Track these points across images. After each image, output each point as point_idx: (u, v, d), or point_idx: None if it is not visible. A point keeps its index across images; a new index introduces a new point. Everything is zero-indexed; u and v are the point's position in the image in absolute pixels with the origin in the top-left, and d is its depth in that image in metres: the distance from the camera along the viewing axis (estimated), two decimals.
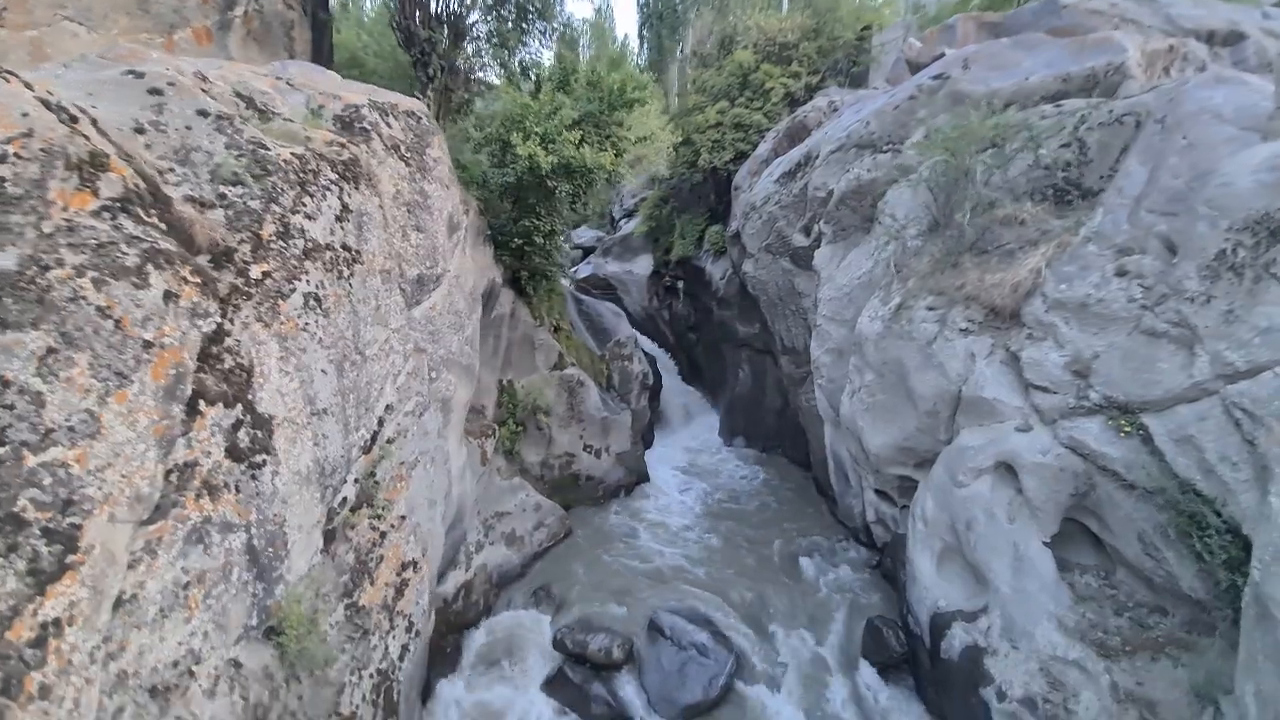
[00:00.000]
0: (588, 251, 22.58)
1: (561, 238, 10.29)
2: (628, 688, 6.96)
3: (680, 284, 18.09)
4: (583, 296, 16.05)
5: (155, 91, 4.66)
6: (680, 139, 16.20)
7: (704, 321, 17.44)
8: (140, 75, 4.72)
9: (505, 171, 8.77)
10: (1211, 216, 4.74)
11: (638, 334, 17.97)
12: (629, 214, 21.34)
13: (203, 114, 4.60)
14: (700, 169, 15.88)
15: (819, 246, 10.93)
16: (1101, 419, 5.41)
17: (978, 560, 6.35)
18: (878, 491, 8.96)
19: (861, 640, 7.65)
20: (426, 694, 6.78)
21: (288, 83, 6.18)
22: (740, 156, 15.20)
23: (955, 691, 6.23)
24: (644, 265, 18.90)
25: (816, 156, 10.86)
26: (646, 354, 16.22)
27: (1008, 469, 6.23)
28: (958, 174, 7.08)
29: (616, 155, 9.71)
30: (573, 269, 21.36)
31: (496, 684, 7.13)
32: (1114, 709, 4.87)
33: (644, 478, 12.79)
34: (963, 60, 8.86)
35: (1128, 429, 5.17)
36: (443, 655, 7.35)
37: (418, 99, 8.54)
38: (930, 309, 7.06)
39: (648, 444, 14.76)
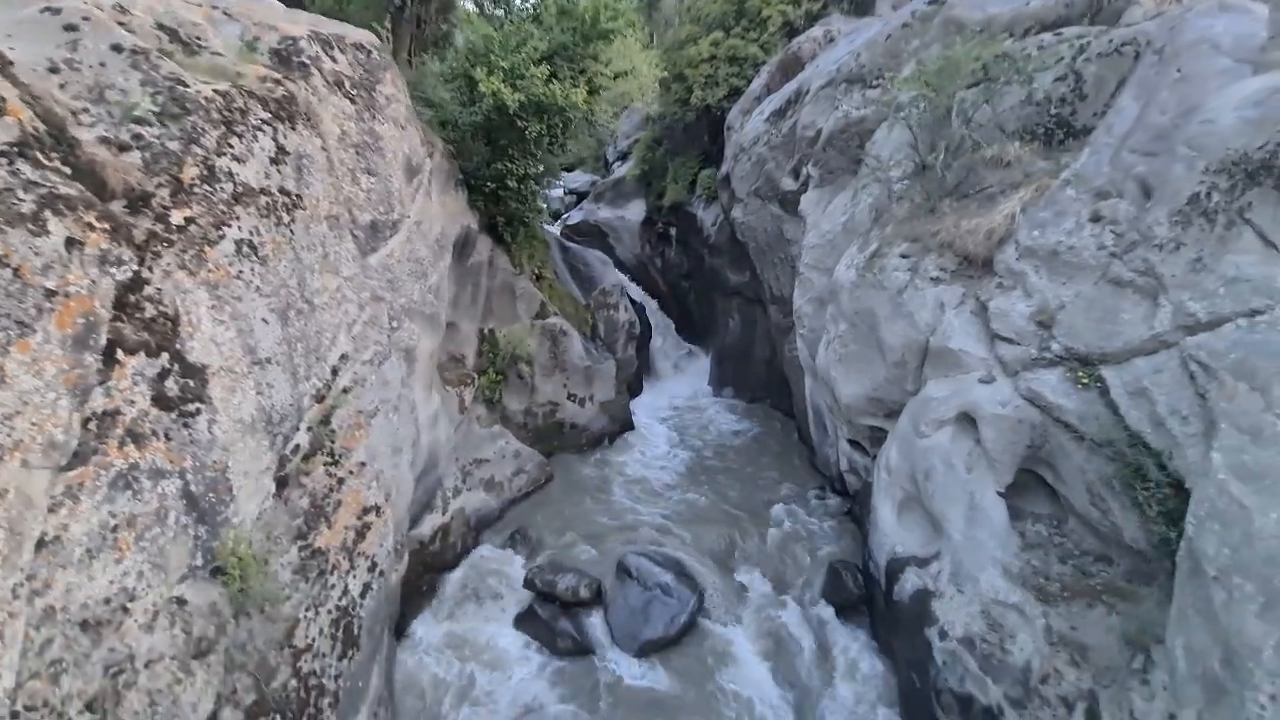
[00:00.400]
0: (582, 196, 21.98)
1: (538, 182, 9.93)
2: (594, 624, 7.28)
3: (673, 231, 17.64)
4: (569, 244, 15.75)
5: (70, 28, 4.40)
6: (672, 74, 15.36)
7: (696, 270, 17.12)
8: (56, 12, 4.46)
9: (472, 110, 8.38)
10: (1190, 157, 4.44)
11: (627, 282, 17.71)
12: (623, 156, 20.60)
13: (117, 49, 4.35)
14: (693, 107, 15.12)
15: (807, 190, 10.53)
16: (1061, 370, 5.30)
17: (935, 509, 6.42)
18: (851, 441, 9.00)
19: (823, 582, 7.89)
20: (402, 628, 7.15)
21: (224, 12, 5.83)
22: (735, 93, 14.42)
23: (903, 631, 6.45)
24: (636, 211, 18.39)
25: (806, 93, 10.27)
26: (635, 303, 16.04)
27: (969, 420, 6.18)
28: (940, 112, 6.66)
29: (591, 92, 9.22)
30: (565, 214, 20.89)
31: (470, 620, 7.49)
32: (1046, 651, 5.02)
33: (629, 426, 12.93)
34: None
35: (1085, 381, 5.07)
36: (420, 593, 7.69)
37: (378, 31, 8.07)
38: (903, 256, 6.83)
39: (635, 393, 14.83)
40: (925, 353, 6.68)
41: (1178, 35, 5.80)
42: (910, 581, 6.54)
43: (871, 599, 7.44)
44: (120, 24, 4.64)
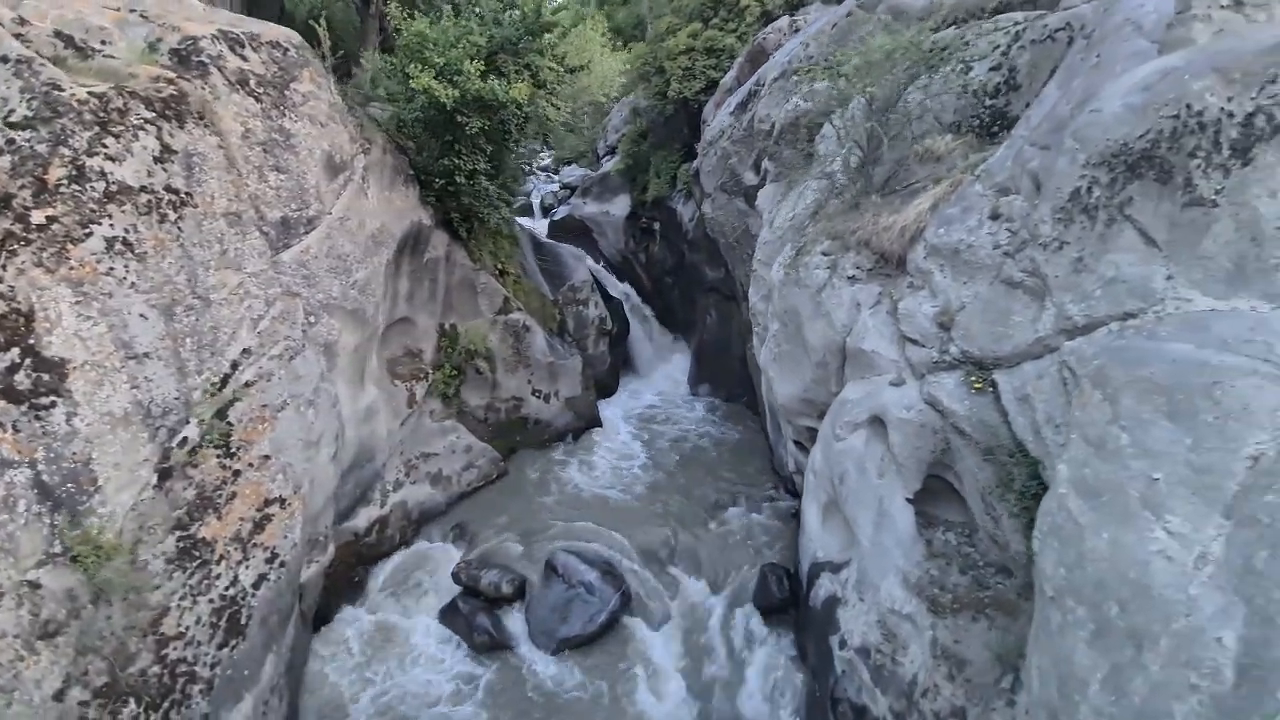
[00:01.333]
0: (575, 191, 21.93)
1: (491, 177, 9.88)
2: (513, 621, 7.31)
3: (656, 226, 17.48)
4: (543, 240, 15.73)
5: None
6: (653, 66, 15.21)
7: (678, 266, 16.94)
8: None
9: (411, 107, 8.42)
10: (1073, 150, 4.18)
11: (612, 278, 17.68)
12: (611, 151, 20.48)
13: (4, 60, 4.48)
14: (671, 100, 14.92)
15: (765, 185, 10.30)
16: (959, 374, 5.08)
17: (848, 514, 6.25)
18: (795, 442, 8.82)
19: (754, 586, 7.76)
20: (327, 618, 7.30)
21: (141, 15, 5.96)
22: (712, 86, 14.17)
23: (814, 637, 6.32)
24: (621, 206, 18.28)
25: (763, 85, 10.03)
26: (612, 299, 16.00)
27: (881, 423, 5.98)
28: (861, 107, 6.42)
29: (539, 87, 9.16)
30: (554, 210, 20.92)
31: (396, 612, 7.60)
32: (930, 664, 4.84)
33: (595, 423, 12.90)
34: None
35: (979, 385, 4.85)
36: (351, 584, 7.84)
37: (315, 28, 8.14)
38: (824, 254, 6.63)
39: (610, 390, 14.80)
40: (844, 353, 6.48)
41: (1107, 17, 5.45)
42: (824, 588, 6.39)
43: (798, 603, 7.29)
44: (17, 35, 4.78)
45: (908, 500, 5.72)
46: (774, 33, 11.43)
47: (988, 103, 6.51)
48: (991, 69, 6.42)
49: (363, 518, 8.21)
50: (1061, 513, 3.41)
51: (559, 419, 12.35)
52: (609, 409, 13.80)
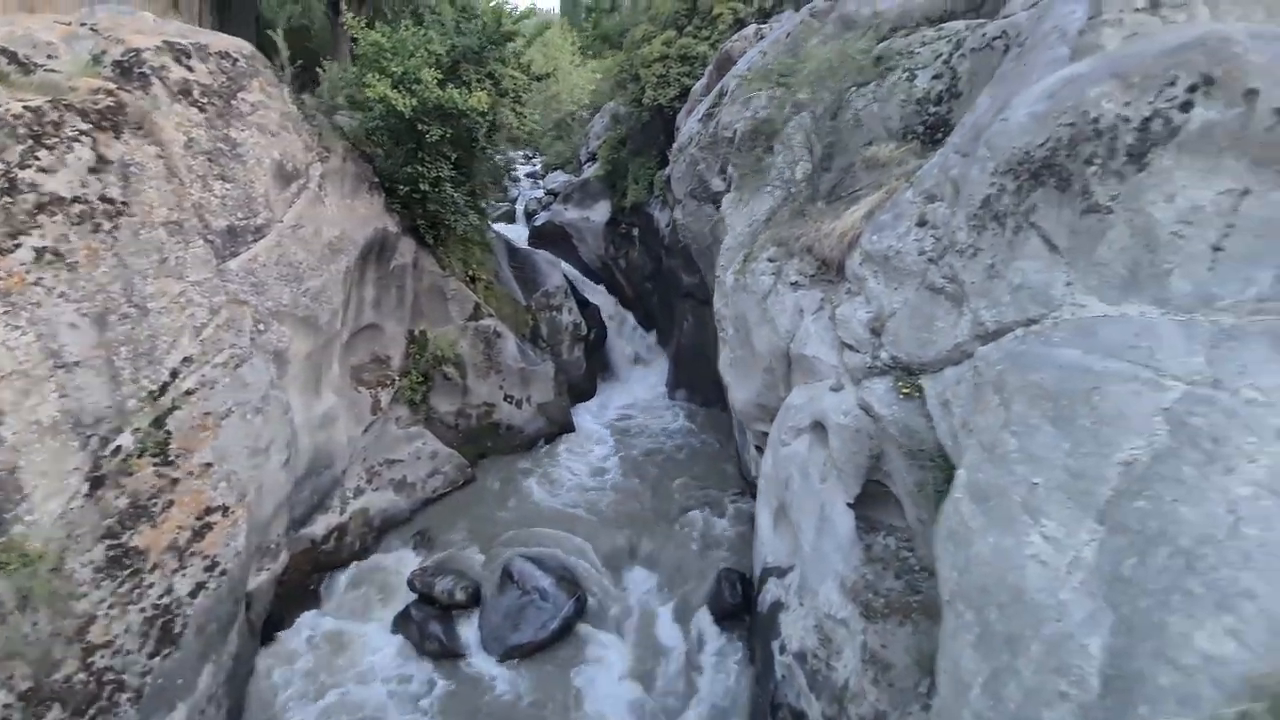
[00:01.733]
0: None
1: (457, 185, 9.94)
2: (466, 628, 7.31)
3: (635, 232, 17.56)
4: (518, 246, 15.80)
5: None
6: (629, 73, 15.35)
7: (656, 271, 17.01)
8: None
9: (369, 115, 8.49)
10: (984, 158, 4.23)
11: (589, 283, 17.74)
12: (593, 157, 20.59)
13: None
14: (646, 107, 15.05)
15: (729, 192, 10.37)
16: (890, 379, 5.11)
17: (793, 519, 6.28)
18: (756, 446, 8.85)
19: (709, 590, 7.76)
20: (279, 626, 7.29)
21: (91, 28, 6.04)
22: (686, 93, 14.29)
23: (761, 642, 6.33)
24: (602, 212, 18.35)
25: (726, 93, 10.11)
26: (589, 304, 16.05)
27: (823, 429, 6.02)
28: (805, 115, 6.48)
29: (502, 95, 9.24)
30: (535, 216, 21.00)
31: (352, 619, 7.59)
32: (859, 669, 4.85)
33: (568, 428, 12.93)
34: None
35: (907, 390, 4.88)
36: (307, 591, 7.84)
37: (272, 38, 8.23)
38: (770, 261, 6.69)
39: (587, 396, 14.85)
40: (789, 359, 6.52)
41: (1038, 25, 5.54)
42: (770, 593, 6.41)
43: (750, 609, 7.30)
44: None
45: (849, 505, 5.74)
46: (740, 40, 11.54)
47: (931, 110, 6.58)
48: (934, 77, 6.49)
49: (320, 525, 8.21)
50: (956, 516, 3.44)
51: (531, 424, 12.38)
52: (584, 414, 13.84)
